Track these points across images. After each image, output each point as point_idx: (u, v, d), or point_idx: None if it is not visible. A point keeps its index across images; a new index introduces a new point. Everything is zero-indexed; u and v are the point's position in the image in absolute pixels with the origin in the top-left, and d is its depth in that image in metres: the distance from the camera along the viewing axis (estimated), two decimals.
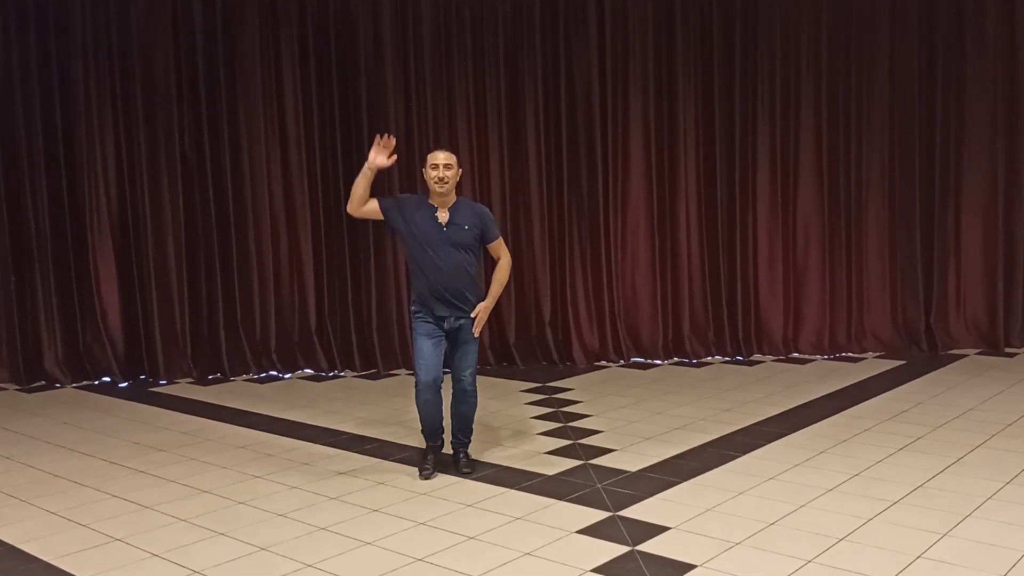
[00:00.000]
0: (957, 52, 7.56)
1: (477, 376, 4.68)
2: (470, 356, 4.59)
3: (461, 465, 4.67)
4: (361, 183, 4.44)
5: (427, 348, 4.49)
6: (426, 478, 4.58)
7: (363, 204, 4.47)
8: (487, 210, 4.72)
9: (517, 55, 7.51)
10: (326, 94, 7.39)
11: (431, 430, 4.68)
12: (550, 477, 4.60)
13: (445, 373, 4.56)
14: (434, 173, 4.49)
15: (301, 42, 7.34)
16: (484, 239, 4.63)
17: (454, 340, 4.57)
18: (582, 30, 7.48)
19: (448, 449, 4.84)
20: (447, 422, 4.75)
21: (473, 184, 7.51)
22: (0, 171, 7.11)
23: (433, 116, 7.48)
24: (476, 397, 4.69)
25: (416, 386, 4.54)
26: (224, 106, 7.25)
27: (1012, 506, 4.01)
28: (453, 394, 4.61)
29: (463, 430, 4.74)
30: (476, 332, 4.54)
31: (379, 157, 4.43)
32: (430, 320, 4.51)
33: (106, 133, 7.23)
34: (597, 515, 4.03)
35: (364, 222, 7.38)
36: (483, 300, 4.59)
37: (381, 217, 4.55)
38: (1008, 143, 7.63)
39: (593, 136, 7.55)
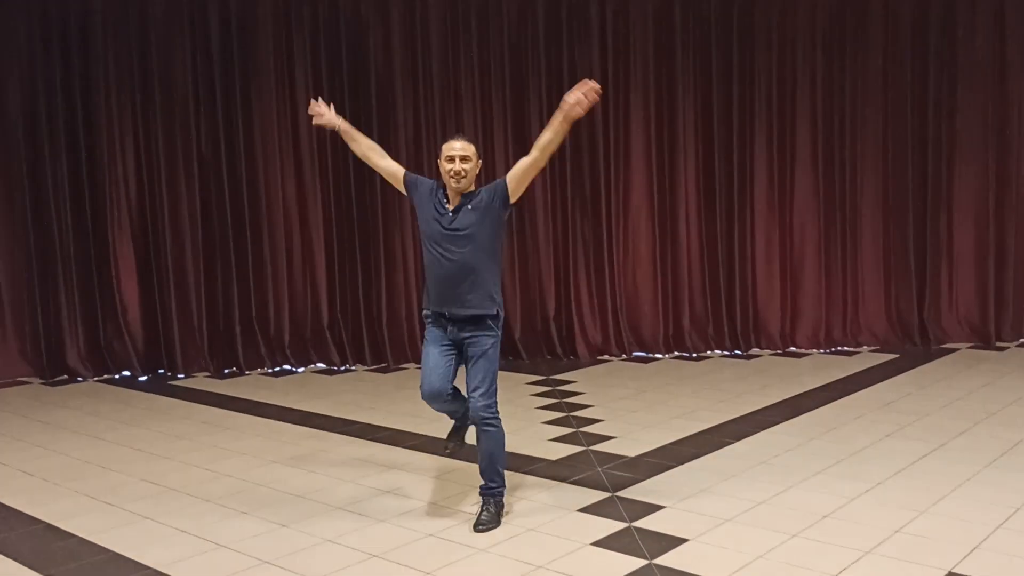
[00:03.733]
0: (950, 52, 7.78)
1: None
2: (479, 374, 3.87)
3: (478, 521, 3.87)
4: (352, 146, 4.26)
5: (431, 358, 3.95)
6: (449, 454, 4.27)
7: (372, 160, 4.19)
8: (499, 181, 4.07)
9: (521, 56, 7.75)
10: (337, 94, 7.62)
11: (450, 416, 4.22)
12: (553, 462, 4.85)
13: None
14: (449, 166, 3.91)
15: (312, 44, 7.59)
16: (505, 197, 3.97)
17: (465, 354, 3.96)
18: (584, 34, 7.72)
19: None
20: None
21: (479, 182, 7.73)
22: (26, 175, 7.40)
23: (440, 114, 7.72)
24: (496, 428, 3.90)
25: (421, 395, 4.04)
26: (239, 109, 7.52)
27: (989, 486, 4.25)
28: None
29: (484, 471, 3.95)
30: (581, 106, 3.87)
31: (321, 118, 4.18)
32: (436, 325, 3.99)
33: (126, 136, 7.50)
34: (597, 495, 4.28)
35: (375, 218, 7.68)
36: (494, 311, 3.94)
37: (398, 185, 4.14)
38: (999, 142, 7.84)
39: (595, 136, 7.80)
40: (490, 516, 3.90)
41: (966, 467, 4.53)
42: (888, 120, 7.88)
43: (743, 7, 7.74)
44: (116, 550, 3.78)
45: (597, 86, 3.85)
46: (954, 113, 7.84)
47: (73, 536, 3.97)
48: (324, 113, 4.22)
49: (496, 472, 3.96)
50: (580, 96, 3.81)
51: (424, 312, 4.08)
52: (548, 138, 3.88)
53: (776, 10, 7.76)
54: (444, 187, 4.02)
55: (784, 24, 7.78)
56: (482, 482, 4.00)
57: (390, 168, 4.16)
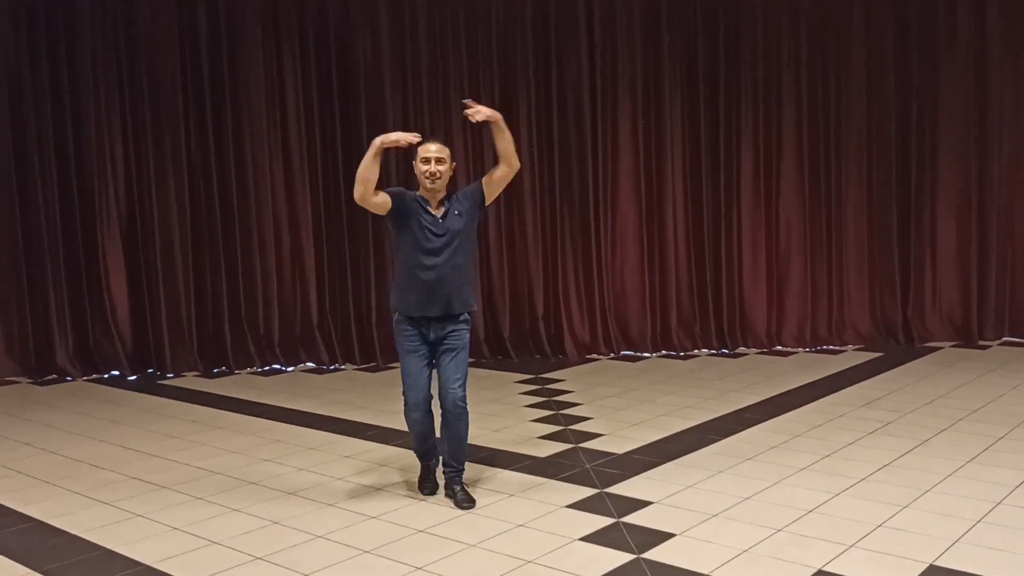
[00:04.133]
0: (931, 55, 7.89)
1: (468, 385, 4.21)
2: (460, 367, 4.12)
3: (459, 499, 4.16)
4: (370, 166, 3.97)
5: (414, 367, 4.16)
6: (430, 493, 4.33)
7: (372, 191, 4.02)
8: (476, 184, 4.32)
9: (510, 58, 7.81)
10: (326, 95, 7.68)
11: (424, 449, 4.36)
12: (542, 459, 4.90)
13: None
14: (425, 167, 4.08)
15: (302, 45, 7.62)
16: (481, 201, 4.21)
17: (442, 347, 4.15)
18: (572, 35, 7.79)
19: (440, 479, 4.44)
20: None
21: (468, 184, 7.79)
22: (13, 173, 7.39)
23: (429, 118, 7.77)
24: (467, 416, 4.19)
25: (405, 405, 4.23)
26: (228, 107, 7.54)
27: (970, 482, 4.33)
28: (442, 413, 4.14)
29: (455, 455, 4.23)
30: (477, 115, 4.02)
31: (396, 138, 4.04)
32: (413, 333, 4.16)
33: (114, 135, 7.51)
34: (585, 492, 4.33)
35: (363, 220, 7.72)
36: (474, 306, 4.27)
37: (385, 211, 4.10)
38: (980, 142, 7.94)
39: (583, 138, 7.87)
40: (467, 494, 4.22)
41: (948, 463, 4.61)
42: (871, 120, 7.99)
43: (728, 10, 7.83)
44: (108, 547, 3.81)
45: (470, 104, 4.10)
46: (936, 112, 7.94)
47: (65, 533, 3.99)
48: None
49: (464, 454, 4.31)
50: (475, 110, 4.08)
51: (397, 317, 4.21)
52: (502, 148, 4.14)
53: (761, 12, 7.84)
54: (418, 194, 4.18)
55: (769, 26, 7.87)
56: (451, 467, 4.26)
57: (378, 199, 4.08)
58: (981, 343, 7.93)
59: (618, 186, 7.97)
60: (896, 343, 7.99)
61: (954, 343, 7.97)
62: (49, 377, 7.48)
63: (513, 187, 7.85)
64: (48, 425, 5.96)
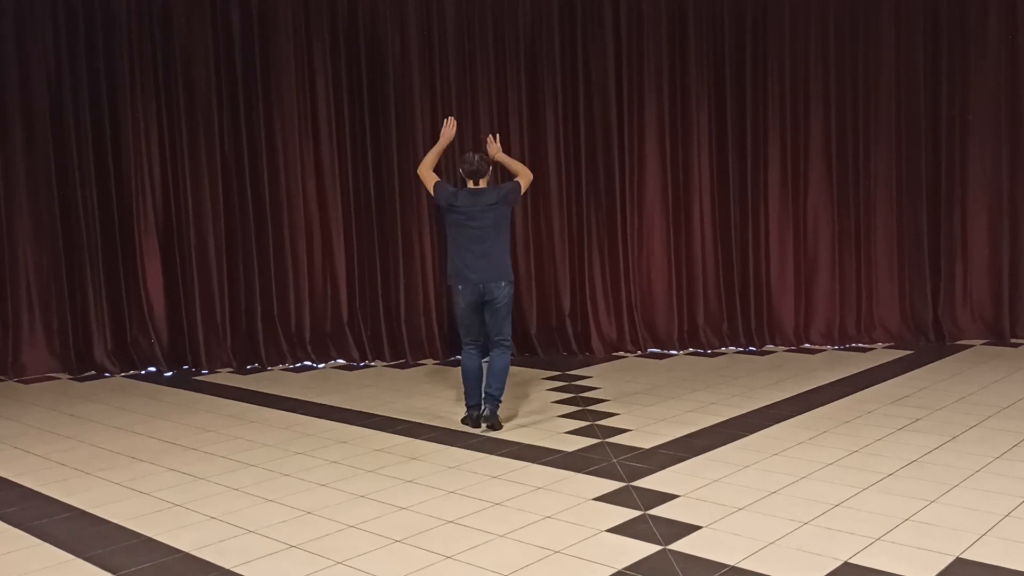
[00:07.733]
0: (961, 49, 7.82)
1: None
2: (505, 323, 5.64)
3: (489, 417, 5.46)
4: (433, 155, 5.88)
5: (467, 318, 5.62)
6: (474, 422, 5.55)
7: (430, 171, 5.76)
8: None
9: (537, 58, 7.87)
10: (356, 95, 7.79)
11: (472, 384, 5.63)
12: (569, 453, 4.96)
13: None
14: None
15: (332, 46, 7.73)
16: (508, 201, 5.73)
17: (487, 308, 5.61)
18: (598, 34, 7.83)
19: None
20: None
21: (496, 180, 7.86)
22: (54, 174, 7.58)
23: (457, 115, 7.83)
24: (509, 357, 5.67)
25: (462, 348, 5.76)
26: (260, 109, 7.67)
27: (998, 477, 4.32)
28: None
29: (499, 383, 5.53)
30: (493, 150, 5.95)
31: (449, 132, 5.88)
32: (467, 291, 5.55)
33: (151, 137, 7.67)
34: (612, 485, 4.39)
35: (393, 219, 7.83)
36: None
37: (431, 188, 5.72)
38: (1012, 137, 7.87)
39: (610, 135, 7.90)
40: (496, 416, 5.48)
41: (976, 459, 4.60)
42: (901, 115, 7.92)
43: (756, 6, 7.82)
44: (148, 534, 3.93)
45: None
46: (967, 107, 7.87)
47: (107, 522, 4.12)
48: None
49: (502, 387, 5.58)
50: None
51: (453, 284, 5.68)
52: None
53: (789, 8, 7.83)
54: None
55: (796, 20, 7.85)
56: (490, 392, 5.48)
57: (433, 178, 5.85)
58: (1013, 341, 7.85)
59: (645, 183, 7.99)
60: (926, 341, 7.93)
61: (985, 341, 7.90)
62: (88, 373, 7.67)
63: (540, 185, 7.94)
64: (88, 419, 6.12)
